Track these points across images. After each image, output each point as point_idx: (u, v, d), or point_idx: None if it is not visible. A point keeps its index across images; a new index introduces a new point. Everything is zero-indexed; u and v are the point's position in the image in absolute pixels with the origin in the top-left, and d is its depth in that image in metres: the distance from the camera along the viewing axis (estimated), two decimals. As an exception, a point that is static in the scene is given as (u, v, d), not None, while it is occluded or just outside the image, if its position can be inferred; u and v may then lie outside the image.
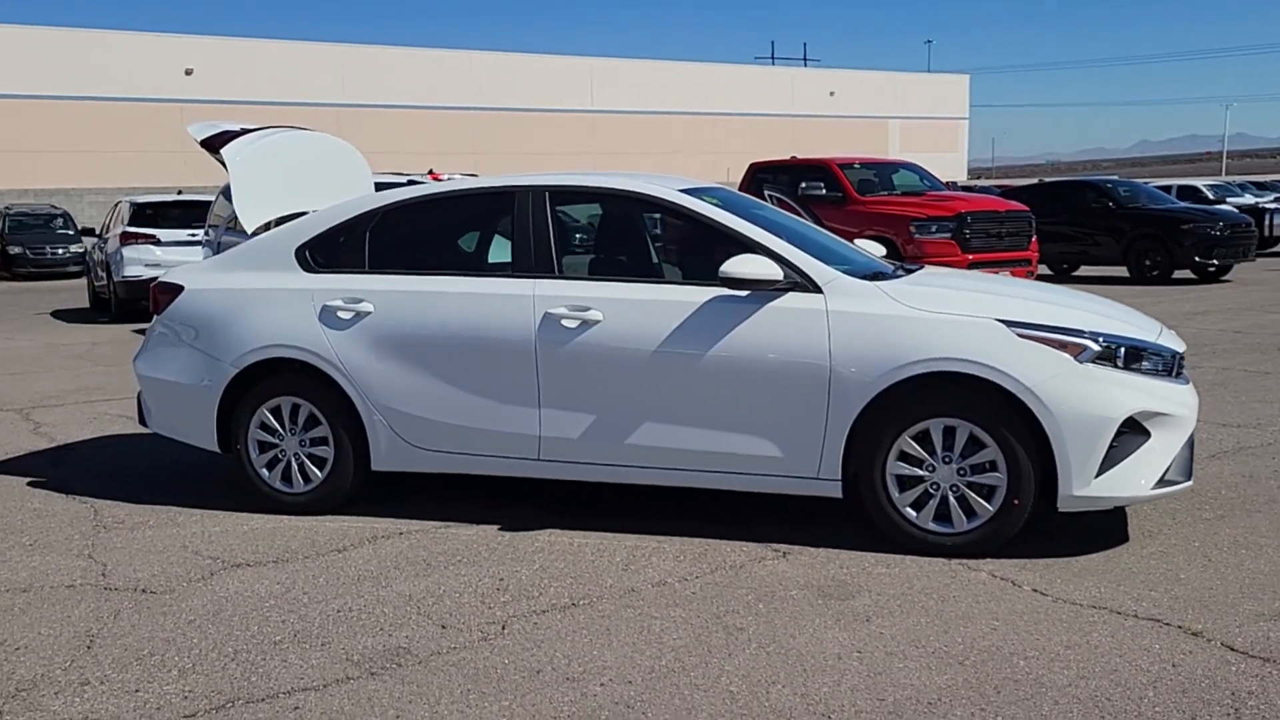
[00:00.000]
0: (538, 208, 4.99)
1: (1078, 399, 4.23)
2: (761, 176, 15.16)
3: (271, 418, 5.25)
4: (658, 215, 5.26)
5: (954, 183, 20.45)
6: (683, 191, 4.98)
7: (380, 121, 45.88)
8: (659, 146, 54.41)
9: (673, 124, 54.89)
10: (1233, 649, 3.50)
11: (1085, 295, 5.20)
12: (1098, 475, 4.26)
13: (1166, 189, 23.91)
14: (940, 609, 3.89)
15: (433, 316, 4.97)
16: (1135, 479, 4.31)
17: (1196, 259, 16.78)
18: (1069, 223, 17.53)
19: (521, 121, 50.62)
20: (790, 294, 4.57)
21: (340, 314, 5.10)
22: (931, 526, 4.44)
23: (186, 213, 15.39)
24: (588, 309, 4.75)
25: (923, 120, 58.59)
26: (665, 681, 3.37)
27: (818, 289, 4.56)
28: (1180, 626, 3.69)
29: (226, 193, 13.06)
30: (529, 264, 4.94)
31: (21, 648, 3.75)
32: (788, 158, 16.09)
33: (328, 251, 5.29)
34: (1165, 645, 3.54)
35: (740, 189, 15.52)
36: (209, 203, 15.75)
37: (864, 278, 4.69)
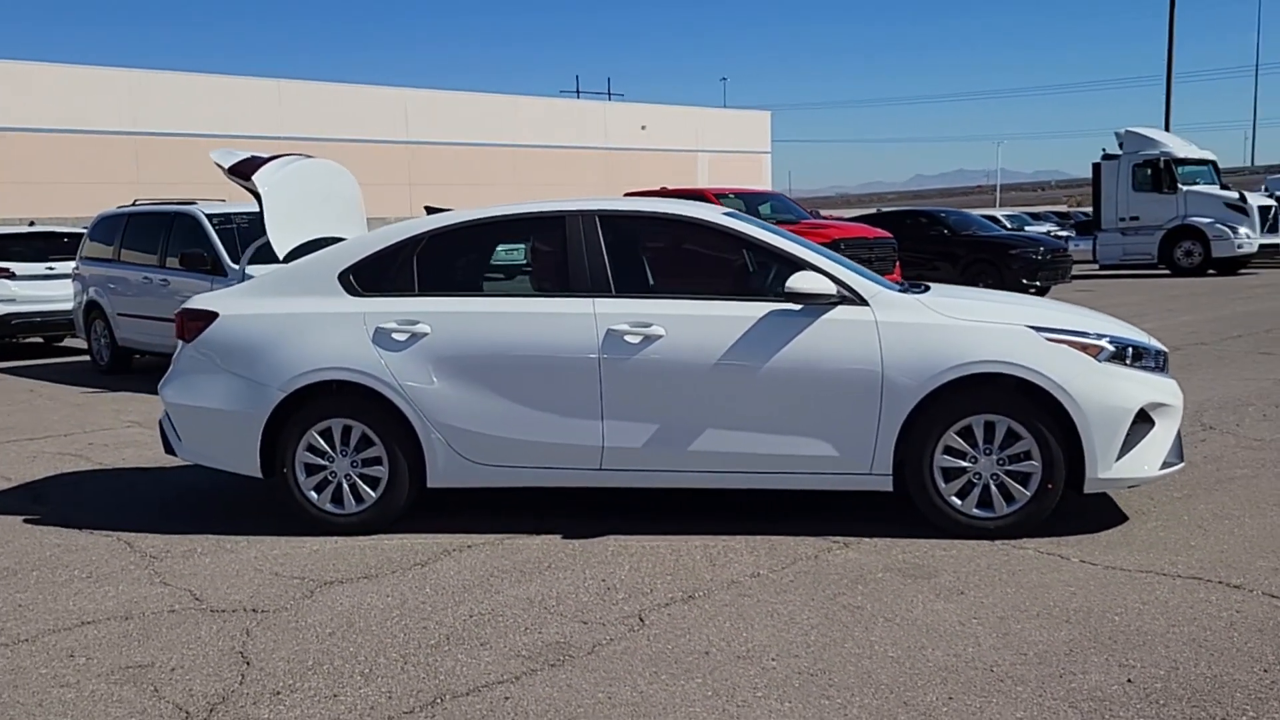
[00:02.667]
0: (589, 231, 5.28)
1: (1101, 394, 4.86)
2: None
3: (321, 440, 5.31)
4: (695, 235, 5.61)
5: (817, 211, 21.60)
6: (725, 214, 5.39)
7: (179, 151, 44.19)
8: (476, 178, 54.46)
9: (489, 156, 55.03)
10: (1274, 596, 4.15)
11: (1066, 304, 5.86)
12: (1117, 460, 4.89)
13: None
14: (1017, 581, 4.40)
15: (492, 336, 5.17)
16: (1145, 462, 4.96)
17: (1023, 281, 18.33)
18: (909, 249, 18.76)
19: (334, 152, 49.30)
20: (839, 307, 5.02)
21: (395, 335, 5.23)
22: (975, 512, 4.98)
23: (39, 245, 14.59)
24: (650, 325, 5.07)
25: (729, 154, 60.83)
26: (829, 653, 3.73)
27: (864, 302, 5.04)
28: (1221, 582, 4.33)
29: (95, 231, 12.57)
30: (585, 284, 5.22)
31: (179, 668, 3.77)
32: (659, 189, 16.67)
33: (373, 275, 5.40)
34: (1219, 597, 4.16)
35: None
36: (62, 234, 15.03)
37: (897, 292, 5.20)
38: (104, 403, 10.13)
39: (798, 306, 5.03)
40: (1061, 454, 4.88)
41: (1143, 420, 4.97)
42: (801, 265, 5.10)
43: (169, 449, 5.68)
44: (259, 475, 5.41)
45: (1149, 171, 25.31)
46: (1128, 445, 4.91)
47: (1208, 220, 24.63)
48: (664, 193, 16.24)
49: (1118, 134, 25.91)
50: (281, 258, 5.81)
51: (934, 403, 4.92)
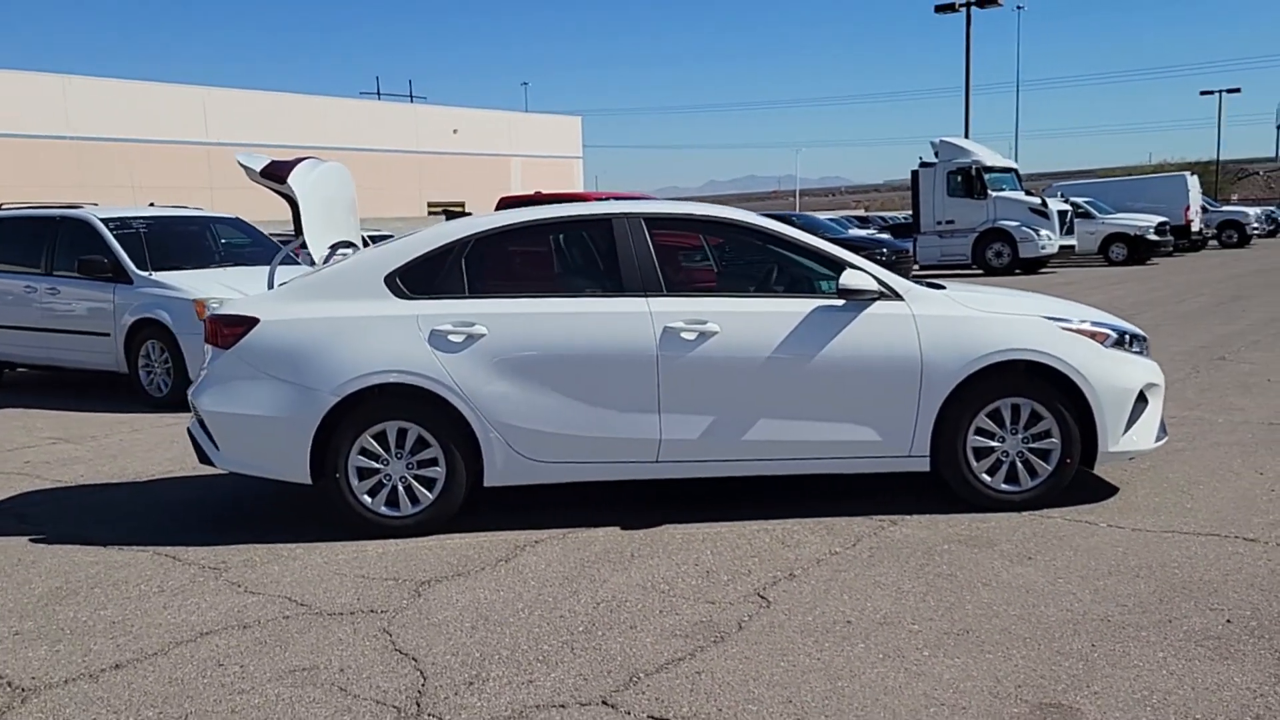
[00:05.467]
0: (636, 232, 5.49)
1: (1110, 376, 5.43)
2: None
3: (375, 443, 5.30)
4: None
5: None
6: (760, 217, 5.71)
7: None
8: (283, 182, 52.43)
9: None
10: (1287, 546, 4.80)
11: (1053, 297, 6.39)
12: (1123, 435, 5.48)
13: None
14: (1069, 545, 4.90)
15: (549, 335, 5.30)
16: (1144, 436, 5.57)
17: (870, 281, 19.43)
18: (764, 251, 19.61)
19: (127, 153, 47.24)
20: (878, 302, 5.42)
21: (451, 337, 5.28)
22: (1003, 487, 5.47)
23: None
24: (705, 322, 5.32)
25: (542, 159, 61.00)
26: (957, 615, 4.09)
27: (899, 297, 5.45)
28: (1237, 537, 4.95)
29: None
30: (637, 283, 5.42)
31: (346, 668, 3.77)
32: (533, 193, 16.79)
33: (421, 278, 5.42)
34: (1244, 549, 4.76)
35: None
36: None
37: (925, 288, 5.63)
38: (2, 419, 9.49)
39: (841, 302, 5.40)
40: (1078, 431, 5.42)
41: (1139, 399, 5.57)
42: (841, 263, 5.47)
43: (203, 459, 5.51)
44: (308, 482, 5.35)
45: (960, 179, 27.20)
46: (1131, 422, 5.51)
47: (1015, 223, 26.66)
48: (539, 197, 16.37)
49: (933, 143, 27.70)
50: (319, 261, 5.74)
51: (967, 388, 5.38)
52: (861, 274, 5.37)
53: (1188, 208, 33.63)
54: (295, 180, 5.58)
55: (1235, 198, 73.74)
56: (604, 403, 5.32)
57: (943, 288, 5.79)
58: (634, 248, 5.47)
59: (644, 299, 5.38)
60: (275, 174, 5.59)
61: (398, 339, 5.28)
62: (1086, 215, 29.93)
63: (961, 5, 35.30)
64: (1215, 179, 72.43)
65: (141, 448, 7.95)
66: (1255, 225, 41.54)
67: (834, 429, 5.38)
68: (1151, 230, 29.78)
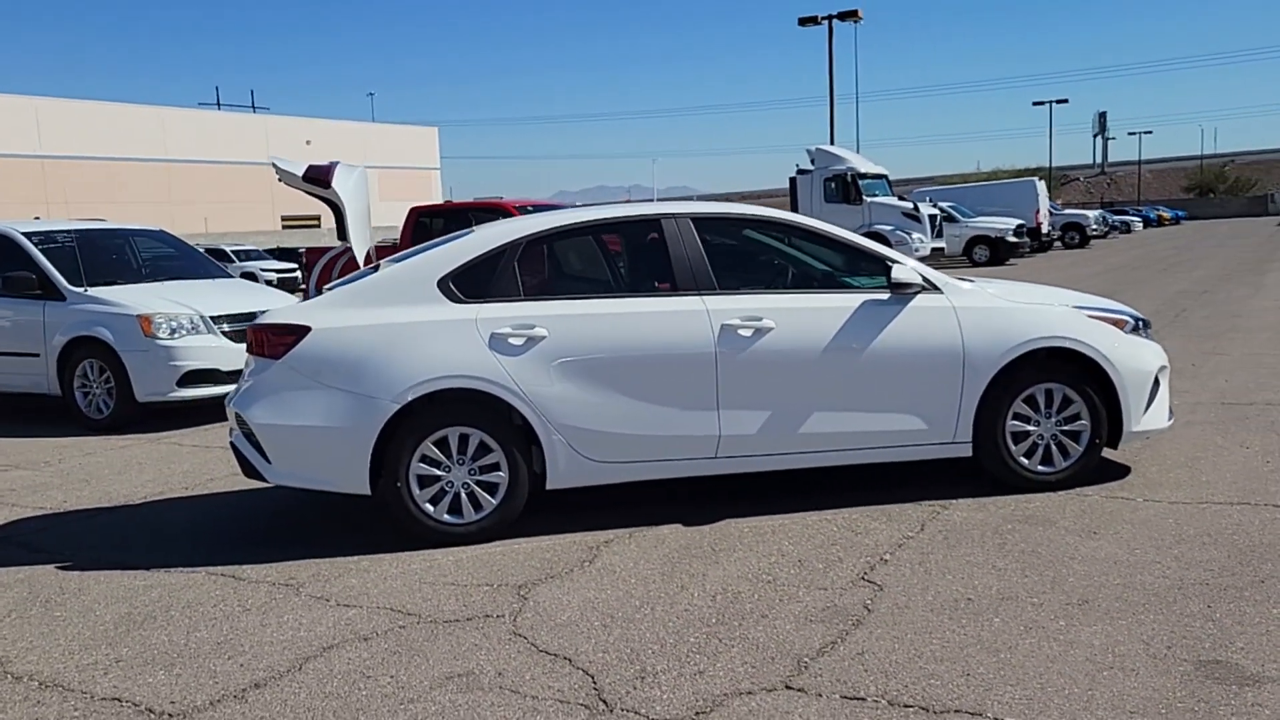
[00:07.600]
0: (686, 233, 5.54)
1: (1132, 360, 5.76)
2: (424, 220, 15.57)
3: (436, 450, 5.20)
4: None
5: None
6: (798, 216, 5.83)
7: None
8: (127, 195, 50.44)
9: (138, 171, 51.13)
10: (1317, 510, 5.19)
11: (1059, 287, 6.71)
12: (1144, 415, 5.82)
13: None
14: (1124, 519, 5.17)
15: (610, 336, 5.30)
16: (1159, 416, 5.93)
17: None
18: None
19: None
20: (921, 295, 5.62)
21: (511, 340, 5.23)
22: (1040, 469, 5.73)
23: None
24: (761, 318, 5.41)
25: (400, 170, 60.04)
26: (1067, 587, 4.29)
27: (938, 290, 5.66)
28: (1267, 504, 5.31)
29: None
30: (690, 282, 5.47)
31: (504, 672, 3.71)
32: (444, 202, 16.59)
33: (475, 282, 5.35)
34: (1277, 516, 5.14)
35: (403, 234, 15.82)
36: None
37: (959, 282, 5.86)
38: (-73, 449, 8.84)
39: (886, 296, 5.57)
40: (1104, 413, 5.73)
41: (1154, 382, 5.92)
42: (886, 259, 5.65)
43: (251, 473, 5.30)
44: (367, 492, 5.21)
45: (835, 185, 28.07)
46: (1149, 403, 5.85)
47: (890, 228, 27.63)
48: (449, 205, 16.19)
49: (809, 150, 28.51)
50: (361, 263, 5.58)
51: (1004, 375, 5.62)
52: (908, 269, 5.55)
53: (1038, 211, 35.52)
54: (339, 184, 5.43)
55: (1060, 202, 78.05)
56: (665, 401, 5.35)
57: (972, 282, 6.03)
58: (685, 247, 5.52)
59: (699, 297, 5.44)
60: (319, 178, 5.42)
61: (458, 344, 5.20)
62: (950, 219, 31.29)
63: (824, 18, 36.45)
64: (1049, 185, 76.48)
65: (109, 471, 7.55)
66: (1095, 227, 44.16)
67: (884, 419, 5.55)
68: (1010, 233, 31.35)
